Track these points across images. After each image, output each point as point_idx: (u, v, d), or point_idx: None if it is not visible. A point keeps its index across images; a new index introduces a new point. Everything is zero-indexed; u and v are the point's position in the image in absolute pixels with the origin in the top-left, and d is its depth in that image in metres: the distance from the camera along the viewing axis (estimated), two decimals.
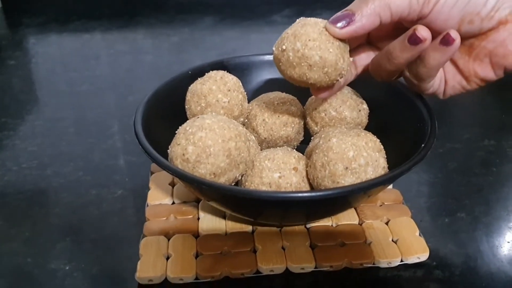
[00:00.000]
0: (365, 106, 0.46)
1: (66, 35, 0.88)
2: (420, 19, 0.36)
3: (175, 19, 0.94)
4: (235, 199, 0.37)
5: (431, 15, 0.36)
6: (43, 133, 0.59)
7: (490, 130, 0.59)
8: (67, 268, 0.40)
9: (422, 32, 0.35)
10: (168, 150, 0.40)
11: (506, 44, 0.37)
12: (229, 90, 0.46)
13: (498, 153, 0.54)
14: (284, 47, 0.38)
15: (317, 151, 0.39)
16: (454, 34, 0.35)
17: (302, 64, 0.37)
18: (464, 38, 0.37)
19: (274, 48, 0.39)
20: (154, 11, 0.97)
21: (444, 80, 0.41)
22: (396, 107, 0.46)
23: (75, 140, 0.58)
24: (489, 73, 0.39)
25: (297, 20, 0.39)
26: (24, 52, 0.83)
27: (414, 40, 0.36)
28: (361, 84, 0.46)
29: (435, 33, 0.36)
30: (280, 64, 0.39)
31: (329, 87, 0.40)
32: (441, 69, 0.40)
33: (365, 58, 0.42)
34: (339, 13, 0.37)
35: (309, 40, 0.37)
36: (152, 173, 0.49)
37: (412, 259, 0.40)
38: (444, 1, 0.35)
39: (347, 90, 0.46)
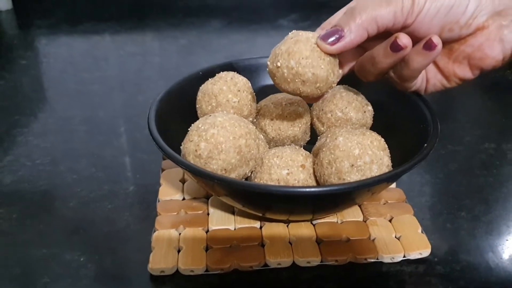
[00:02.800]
0: (370, 107, 0.47)
1: (76, 36, 0.90)
2: (404, 28, 0.39)
3: (183, 22, 0.95)
4: (246, 194, 0.39)
5: (414, 24, 0.38)
6: (55, 130, 0.61)
7: (491, 133, 0.60)
8: (82, 259, 0.42)
9: (403, 39, 0.38)
10: (180, 147, 0.41)
11: (483, 48, 0.39)
12: (239, 91, 0.47)
13: (498, 155, 0.56)
14: (278, 64, 0.39)
15: (324, 149, 0.40)
16: (436, 40, 0.38)
17: (296, 80, 0.39)
18: (445, 43, 0.40)
19: (268, 63, 0.41)
20: (162, 14, 0.98)
21: (425, 79, 0.44)
22: (400, 108, 0.47)
23: (87, 138, 0.60)
24: (467, 73, 0.42)
25: (289, 34, 0.41)
26: (35, 52, 0.85)
27: (396, 48, 0.38)
28: (366, 87, 0.47)
29: (418, 40, 0.39)
30: (275, 78, 0.41)
31: (319, 97, 0.43)
32: None
33: (351, 58, 0.44)
34: (328, 29, 0.39)
35: (302, 58, 0.39)
36: (163, 170, 0.51)
37: (414, 255, 0.41)
38: (426, 12, 0.37)
39: (353, 92, 0.47)
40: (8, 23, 0.96)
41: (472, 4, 0.38)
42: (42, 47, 0.87)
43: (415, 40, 0.38)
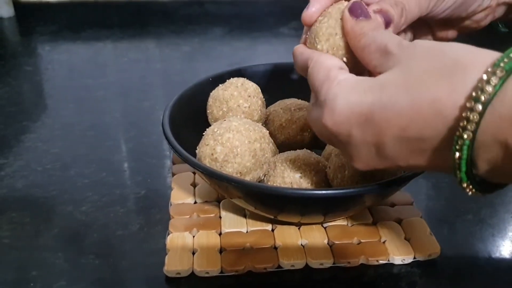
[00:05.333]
0: None
1: (79, 43, 0.91)
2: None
3: (185, 29, 0.96)
4: (262, 196, 0.40)
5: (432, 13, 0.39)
6: (63, 136, 0.62)
7: None
8: (97, 262, 0.42)
9: None
10: (196, 151, 0.42)
11: (480, 21, 0.42)
12: (250, 96, 0.48)
13: None
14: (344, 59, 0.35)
15: (336, 152, 0.41)
16: None
17: None
18: (450, 19, 0.42)
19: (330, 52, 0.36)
20: (164, 22, 0.99)
21: None
22: None
23: (95, 143, 0.60)
24: (452, 36, 0.44)
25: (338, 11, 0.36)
26: (39, 59, 0.85)
27: None
28: None
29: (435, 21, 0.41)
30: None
31: None
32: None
33: None
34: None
35: None
36: (173, 174, 0.52)
37: (424, 257, 0.42)
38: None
39: None
40: (11, 30, 0.97)
41: None
42: (45, 53, 0.88)
43: (433, 21, 0.41)
